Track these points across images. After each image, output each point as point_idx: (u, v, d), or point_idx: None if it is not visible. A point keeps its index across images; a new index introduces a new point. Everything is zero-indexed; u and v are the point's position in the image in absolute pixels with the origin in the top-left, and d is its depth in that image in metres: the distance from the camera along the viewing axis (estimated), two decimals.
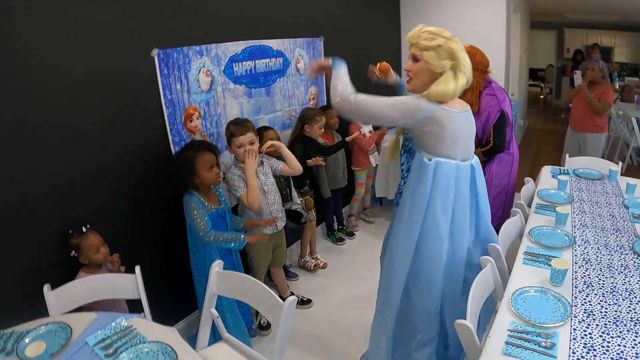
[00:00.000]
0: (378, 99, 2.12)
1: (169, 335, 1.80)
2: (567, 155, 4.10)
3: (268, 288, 2.05)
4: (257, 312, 3.30)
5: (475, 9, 5.60)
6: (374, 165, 4.75)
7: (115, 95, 2.63)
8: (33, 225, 2.28)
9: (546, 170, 3.68)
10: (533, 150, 5.24)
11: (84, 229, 2.35)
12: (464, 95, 3.34)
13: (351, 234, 4.71)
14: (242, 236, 2.76)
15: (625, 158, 6.71)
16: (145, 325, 1.89)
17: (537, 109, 12.70)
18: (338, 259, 4.26)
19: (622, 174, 3.53)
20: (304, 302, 3.59)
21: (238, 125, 2.93)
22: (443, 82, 2.06)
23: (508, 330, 1.76)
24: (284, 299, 3.34)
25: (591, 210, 2.90)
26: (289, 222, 3.43)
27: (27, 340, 1.73)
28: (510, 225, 2.70)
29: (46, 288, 2.12)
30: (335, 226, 4.67)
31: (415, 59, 2.12)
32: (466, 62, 2.08)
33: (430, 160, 2.13)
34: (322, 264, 4.11)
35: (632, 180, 3.22)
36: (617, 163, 3.70)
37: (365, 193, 4.95)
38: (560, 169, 3.70)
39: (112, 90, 2.61)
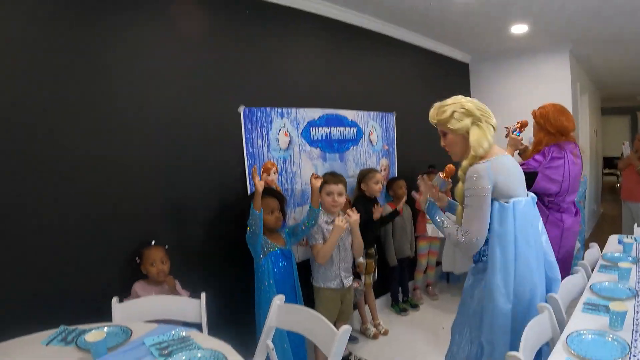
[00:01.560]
0: (469, 217, 2.09)
1: (224, 346, 1.74)
2: (635, 225, 3.77)
3: (324, 318, 1.96)
4: None
5: (540, 87, 5.51)
6: (430, 234, 4.53)
7: (205, 141, 2.81)
8: (114, 239, 2.40)
9: (613, 238, 3.41)
10: (606, 235, 4.89)
11: (152, 242, 2.42)
12: (528, 153, 3.23)
13: (415, 306, 4.46)
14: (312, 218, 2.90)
15: None
16: (202, 337, 1.84)
17: (613, 197, 11.84)
18: (400, 329, 4.01)
19: None
20: None
21: (333, 176, 3.10)
22: (473, 136, 2.08)
23: None
24: (343, 359, 3.22)
25: None
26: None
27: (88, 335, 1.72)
28: (571, 281, 2.47)
29: (114, 300, 2.14)
30: (400, 297, 4.47)
31: (443, 134, 2.19)
32: (485, 112, 2.11)
33: (507, 202, 2.06)
34: (383, 330, 3.89)
35: None
36: None
37: (428, 269, 4.71)
38: (627, 236, 3.37)
39: (202, 137, 2.80)
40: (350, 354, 3.39)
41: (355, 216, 3.05)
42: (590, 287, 2.37)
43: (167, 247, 2.48)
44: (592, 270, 2.77)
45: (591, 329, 1.86)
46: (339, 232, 2.94)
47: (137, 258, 2.42)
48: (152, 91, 2.57)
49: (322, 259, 2.96)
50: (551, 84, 5.51)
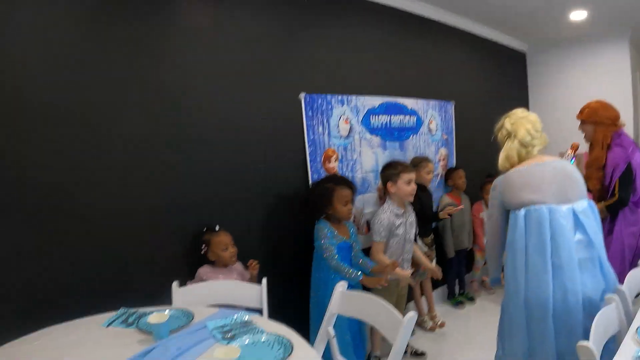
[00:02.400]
0: (487, 225, 2.49)
1: (287, 331, 1.65)
2: None
3: (389, 305, 1.83)
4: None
5: (599, 77, 5.16)
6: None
7: (266, 128, 2.73)
8: (175, 227, 2.35)
9: None
10: None
11: (217, 228, 2.34)
12: (592, 150, 3.10)
13: (472, 299, 4.25)
14: (360, 274, 2.57)
15: None
16: (265, 322, 1.75)
17: None
18: (456, 323, 3.82)
19: None
20: (417, 355, 3.21)
21: (405, 165, 2.90)
22: (502, 152, 2.24)
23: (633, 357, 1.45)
24: None
25: None
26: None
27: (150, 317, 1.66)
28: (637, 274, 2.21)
29: (175, 284, 2.08)
30: (457, 290, 4.27)
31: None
32: (517, 128, 2.18)
33: (518, 210, 2.07)
34: (439, 322, 3.71)
35: None
36: None
37: (475, 269, 4.46)
38: None
39: (264, 124, 2.72)
40: (407, 344, 3.24)
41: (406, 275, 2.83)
42: None
43: (218, 226, 2.42)
44: None
45: None
46: (400, 277, 2.80)
47: (203, 246, 2.34)
48: (214, 80, 2.50)
49: (375, 259, 2.80)
50: (610, 73, 5.15)
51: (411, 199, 2.89)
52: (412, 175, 2.82)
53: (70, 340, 1.58)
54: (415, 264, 3.43)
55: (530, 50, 5.65)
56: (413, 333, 3.54)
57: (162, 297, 2.08)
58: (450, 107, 4.10)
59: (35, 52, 1.93)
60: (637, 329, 1.63)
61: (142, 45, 2.24)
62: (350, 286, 2.61)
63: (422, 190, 3.48)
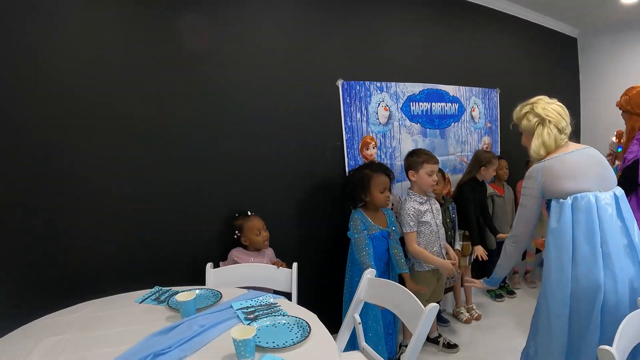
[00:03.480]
0: (519, 217, 2.14)
1: (309, 315, 1.63)
2: None
3: (413, 295, 1.78)
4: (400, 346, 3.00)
5: None
6: None
7: (304, 115, 2.71)
8: (211, 210, 2.39)
9: None
10: None
11: (249, 213, 2.35)
12: (625, 140, 2.91)
13: (512, 292, 4.06)
14: (371, 268, 2.51)
15: None
16: (289, 305, 1.74)
17: None
18: (493, 315, 3.67)
19: None
20: (450, 346, 3.10)
21: (430, 155, 2.76)
22: (535, 138, 2.07)
23: None
24: (431, 339, 2.94)
25: None
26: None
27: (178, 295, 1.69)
28: None
29: (209, 266, 2.12)
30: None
31: (520, 133, 2.19)
32: (550, 113, 2.05)
33: (565, 199, 1.94)
34: (475, 315, 3.59)
35: None
36: None
37: (528, 255, 4.25)
38: None
39: (301, 111, 2.69)
40: (439, 336, 3.14)
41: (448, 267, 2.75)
42: None
43: (251, 212, 2.44)
44: None
45: None
46: (441, 267, 2.74)
47: (236, 232, 2.36)
48: (254, 69, 2.50)
49: (417, 256, 2.73)
50: None
51: (432, 189, 2.80)
52: (434, 167, 2.71)
53: (106, 314, 1.65)
54: (462, 252, 3.35)
55: (581, 36, 5.29)
56: (447, 324, 3.47)
57: (198, 278, 2.12)
58: (495, 95, 3.93)
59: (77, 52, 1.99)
60: None
61: (180, 37, 2.26)
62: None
63: (477, 185, 3.41)
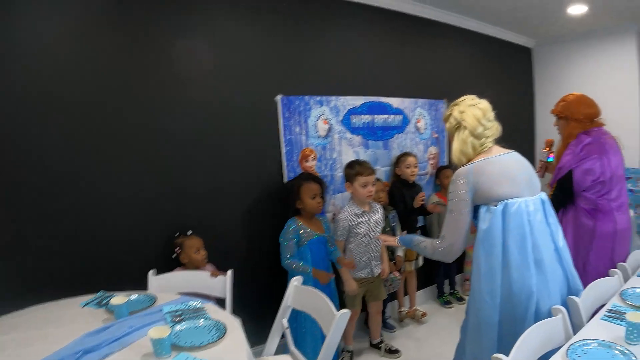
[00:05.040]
0: (447, 221, 2.18)
1: (232, 319, 1.97)
2: None
3: (328, 300, 2.09)
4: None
5: (606, 71, 5.31)
6: None
7: (244, 128, 3.09)
8: (155, 225, 2.73)
9: None
10: None
11: (189, 232, 2.70)
12: (559, 146, 3.11)
13: (461, 299, 4.45)
14: (310, 270, 2.90)
15: None
16: (215, 310, 2.07)
17: None
18: (441, 322, 4.05)
19: None
20: (391, 352, 3.47)
21: (364, 166, 3.09)
22: (454, 142, 2.21)
23: None
24: (373, 345, 3.32)
25: None
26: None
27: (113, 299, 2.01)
28: (602, 285, 2.27)
29: (151, 272, 2.48)
30: (447, 289, 4.55)
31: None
32: (466, 117, 2.15)
33: (496, 205, 2.04)
34: (420, 313, 3.99)
35: None
36: None
37: (466, 264, 4.61)
38: None
39: (242, 125, 3.08)
40: (382, 341, 3.52)
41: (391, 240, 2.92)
42: (620, 292, 2.21)
43: (191, 231, 2.78)
44: None
45: (603, 339, 1.72)
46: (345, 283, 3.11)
47: (177, 249, 2.71)
48: (196, 84, 2.86)
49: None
50: (617, 68, 5.25)
51: (368, 200, 3.15)
52: (368, 179, 3.05)
53: (53, 316, 1.99)
54: (406, 258, 3.75)
55: (536, 46, 5.84)
56: (393, 330, 3.85)
57: (144, 285, 2.47)
58: (442, 106, 4.36)
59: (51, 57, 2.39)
60: (570, 345, 1.68)
61: (140, 54, 2.66)
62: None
63: (405, 186, 3.79)
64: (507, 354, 1.64)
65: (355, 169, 3.08)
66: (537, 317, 1.95)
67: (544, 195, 2.14)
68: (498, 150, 2.17)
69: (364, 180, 3.05)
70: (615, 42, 5.26)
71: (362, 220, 3.14)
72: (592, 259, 2.96)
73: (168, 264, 2.71)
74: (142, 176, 2.68)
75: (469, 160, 2.13)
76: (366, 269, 3.22)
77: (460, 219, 2.11)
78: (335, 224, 3.16)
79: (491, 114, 2.19)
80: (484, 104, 2.21)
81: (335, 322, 1.95)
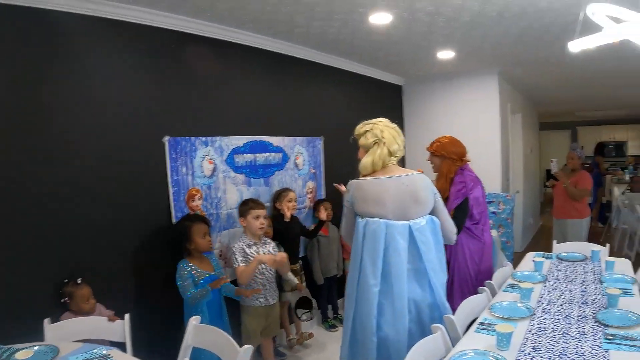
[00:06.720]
0: (344, 225, 2.84)
1: None
2: (555, 242, 4.30)
3: (230, 337, 2.43)
4: None
5: (471, 109, 6.43)
6: None
7: (132, 170, 3.33)
8: (40, 269, 2.87)
9: (529, 256, 3.88)
10: (541, 247, 5.72)
11: (79, 281, 2.89)
12: (437, 181, 3.77)
13: None
14: (207, 287, 3.23)
15: (634, 247, 6.93)
16: (121, 355, 2.33)
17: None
18: (330, 346, 4.55)
19: (633, 263, 3.54)
20: None
21: (256, 202, 3.69)
22: (367, 156, 2.71)
23: None
24: None
25: (563, 287, 3.03)
26: (298, 311, 4.21)
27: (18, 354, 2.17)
28: (473, 301, 2.80)
29: (46, 321, 2.63)
30: (331, 314, 5.09)
31: (358, 147, 2.81)
32: (386, 135, 2.70)
33: (362, 219, 2.64)
34: (307, 334, 4.52)
35: (611, 258, 3.43)
36: (628, 253, 3.78)
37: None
38: (543, 254, 3.93)
39: (129, 166, 3.31)
40: None
41: (282, 255, 3.61)
42: (490, 306, 2.71)
43: (80, 279, 2.92)
44: None
45: (478, 348, 2.15)
46: (261, 259, 3.48)
47: (66, 298, 2.85)
48: (83, 127, 3.06)
49: (244, 280, 3.48)
50: (481, 106, 6.39)
51: (261, 232, 3.64)
52: (260, 212, 3.61)
53: None
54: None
55: (406, 83, 6.83)
56: (284, 357, 4.32)
57: (37, 335, 2.59)
58: (319, 142, 4.94)
59: None
60: (450, 357, 2.08)
61: (27, 95, 2.82)
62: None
63: (286, 220, 4.23)
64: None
65: (249, 205, 3.63)
66: (383, 320, 2.57)
67: (416, 223, 2.61)
68: (396, 170, 2.71)
69: (257, 212, 3.58)
70: (478, 83, 6.41)
71: (255, 251, 3.57)
72: (482, 268, 3.72)
73: (58, 310, 2.84)
74: (24, 224, 2.80)
75: (373, 172, 2.68)
76: (261, 298, 3.64)
77: (345, 218, 2.80)
78: (230, 254, 3.56)
79: (402, 136, 2.77)
80: (397, 127, 2.79)
81: (239, 357, 2.27)
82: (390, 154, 2.69)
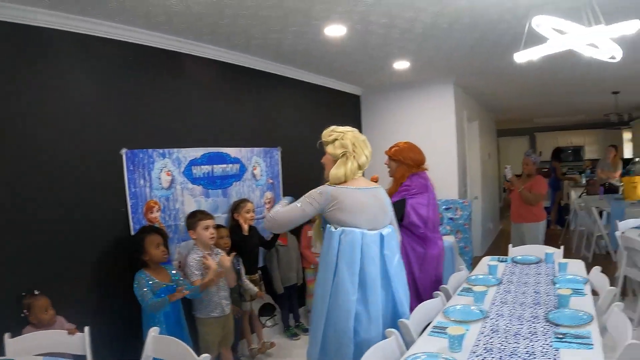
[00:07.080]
0: (288, 206, 2.86)
1: None
2: (510, 245, 4.44)
3: (188, 347, 2.49)
4: None
5: (427, 117, 6.70)
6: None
7: (90, 183, 3.38)
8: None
9: (485, 260, 3.99)
10: (501, 251, 5.95)
11: (36, 292, 2.93)
12: (391, 185, 3.90)
13: (306, 330, 5.08)
14: (166, 298, 3.29)
15: (591, 248, 7.23)
16: None
17: None
18: (291, 353, 4.67)
19: (589, 264, 3.67)
20: None
21: (203, 213, 3.73)
22: (336, 167, 2.80)
23: None
24: None
25: (516, 290, 3.17)
26: (262, 318, 4.38)
27: None
28: (428, 305, 2.94)
29: (7, 336, 2.67)
30: (292, 322, 5.19)
31: (324, 152, 2.90)
32: (357, 149, 2.79)
33: (336, 229, 2.71)
34: (269, 344, 4.60)
35: (564, 260, 3.60)
36: (586, 254, 3.96)
37: (308, 297, 5.38)
38: (499, 257, 4.06)
39: (87, 179, 3.36)
40: None
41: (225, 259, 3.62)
42: (443, 310, 2.83)
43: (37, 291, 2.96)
44: None
45: (431, 351, 2.26)
46: (221, 271, 3.54)
47: (25, 311, 2.88)
48: (42, 139, 3.11)
49: (202, 290, 3.56)
50: (437, 114, 6.65)
51: (212, 242, 3.69)
52: (209, 222, 3.66)
53: None
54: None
55: (364, 93, 7.06)
56: None
57: None
58: (277, 153, 5.07)
59: None
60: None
61: None
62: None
63: (244, 231, 4.33)
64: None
65: (197, 217, 3.67)
66: (359, 326, 2.66)
67: (385, 231, 2.80)
68: (363, 182, 2.84)
69: (206, 223, 3.63)
70: (434, 92, 6.68)
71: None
72: (418, 276, 3.79)
73: (19, 325, 2.86)
74: None
75: (341, 183, 2.77)
76: (217, 309, 3.70)
77: (297, 212, 2.78)
78: (187, 269, 3.60)
79: (370, 147, 2.87)
80: (365, 138, 2.88)
81: None
82: (360, 167, 2.82)
